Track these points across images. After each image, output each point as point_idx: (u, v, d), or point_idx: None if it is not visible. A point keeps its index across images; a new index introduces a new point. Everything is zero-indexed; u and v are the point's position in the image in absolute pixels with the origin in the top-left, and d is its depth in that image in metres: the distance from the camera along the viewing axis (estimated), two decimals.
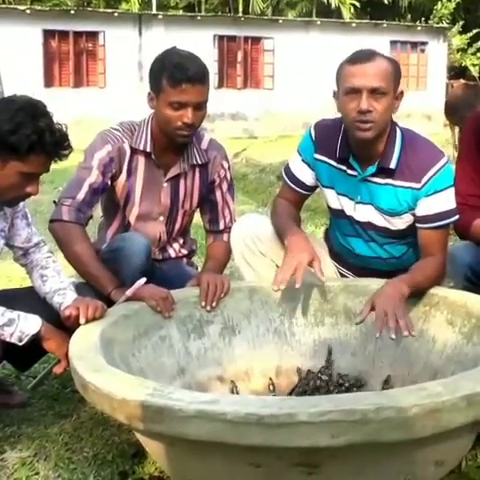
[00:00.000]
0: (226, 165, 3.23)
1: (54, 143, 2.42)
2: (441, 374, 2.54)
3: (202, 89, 2.86)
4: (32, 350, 2.53)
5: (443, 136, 14.30)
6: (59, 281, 2.68)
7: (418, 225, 2.81)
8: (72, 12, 21.45)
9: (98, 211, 3.22)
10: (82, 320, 2.44)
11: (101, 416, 2.74)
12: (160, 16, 22.67)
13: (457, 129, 12.99)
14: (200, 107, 2.88)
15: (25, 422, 2.78)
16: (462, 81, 14.23)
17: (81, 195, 2.92)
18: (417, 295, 2.71)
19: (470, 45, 28.56)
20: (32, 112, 2.40)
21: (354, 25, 24.57)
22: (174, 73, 2.81)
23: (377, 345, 2.79)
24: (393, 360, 2.74)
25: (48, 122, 2.42)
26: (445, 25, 27.11)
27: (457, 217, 2.80)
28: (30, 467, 2.44)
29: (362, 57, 2.71)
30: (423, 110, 21.86)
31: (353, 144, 2.83)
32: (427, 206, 2.76)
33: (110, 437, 2.63)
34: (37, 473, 2.41)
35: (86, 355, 2.16)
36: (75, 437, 2.65)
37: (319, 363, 2.82)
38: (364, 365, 2.80)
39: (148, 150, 3.01)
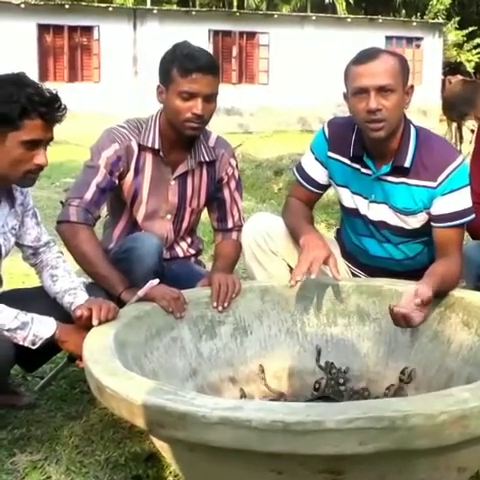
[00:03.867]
0: (234, 163, 3.20)
1: (45, 103, 2.38)
2: (457, 376, 2.51)
3: (212, 80, 2.84)
4: (40, 351, 2.49)
5: (439, 131, 14.32)
6: (70, 281, 2.64)
7: (433, 224, 2.78)
8: (67, 6, 21.37)
9: (104, 210, 3.18)
10: (95, 321, 2.39)
11: (111, 418, 2.70)
12: (155, 11, 22.64)
13: (454, 125, 13.03)
14: (210, 99, 2.85)
15: (34, 424, 2.73)
16: (459, 77, 14.21)
17: (89, 195, 2.88)
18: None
19: (466, 41, 28.58)
20: (17, 82, 2.38)
21: (349, 20, 24.57)
22: (185, 63, 2.79)
23: (391, 347, 2.77)
24: (407, 362, 2.71)
25: (35, 87, 2.40)
26: (440, 21, 27.12)
27: (473, 216, 2.77)
28: (41, 471, 2.40)
29: (367, 56, 2.68)
30: (418, 105, 21.81)
31: (367, 142, 2.80)
32: (443, 205, 2.73)
33: (122, 440, 2.59)
34: (49, 477, 2.36)
35: (101, 358, 2.12)
36: (86, 440, 2.60)
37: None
38: (377, 366, 2.77)
39: (156, 147, 2.97)
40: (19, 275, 4.46)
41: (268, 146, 14.55)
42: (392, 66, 2.67)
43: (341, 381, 2.72)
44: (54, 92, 2.44)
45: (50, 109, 2.40)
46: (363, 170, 2.84)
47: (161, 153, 2.99)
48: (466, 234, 3.05)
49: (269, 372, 2.79)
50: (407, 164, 2.75)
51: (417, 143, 2.77)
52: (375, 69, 2.64)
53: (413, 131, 2.79)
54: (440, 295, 2.64)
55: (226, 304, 2.77)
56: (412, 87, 2.75)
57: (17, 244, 2.70)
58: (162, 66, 2.89)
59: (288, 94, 22.59)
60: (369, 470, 1.83)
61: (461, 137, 12.50)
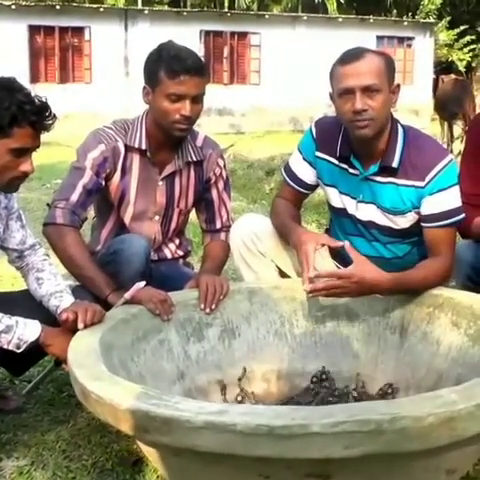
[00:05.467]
0: (222, 163, 3.18)
1: (36, 112, 2.35)
2: (446, 377, 2.50)
3: (200, 81, 2.81)
4: (27, 354, 2.46)
5: (431, 131, 14.30)
6: (55, 284, 2.61)
7: (423, 224, 2.76)
8: (57, 7, 21.31)
9: (91, 211, 3.15)
10: (80, 325, 2.36)
11: (99, 422, 2.66)
12: (146, 11, 22.58)
13: (447, 124, 13.00)
14: (197, 100, 2.83)
15: (21, 428, 2.71)
16: (453, 76, 14.21)
17: (75, 197, 2.85)
18: (415, 294, 2.70)
19: (457, 40, 28.64)
20: (8, 87, 2.35)
21: (340, 20, 24.55)
22: (172, 64, 2.76)
23: (380, 347, 2.76)
24: (396, 362, 2.69)
25: (26, 94, 2.36)
26: (432, 20, 27.16)
27: (463, 215, 2.75)
28: (28, 476, 2.38)
29: (352, 56, 2.65)
30: (410, 105, 21.84)
31: (354, 142, 2.77)
32: (432, 205, 2.71)
33: (109, 444, 2.56)
34: None
35: (86, 362, 2.09)
36: (73, 444, 2.58)
37: (320, 366, 2.76)
38: (366, 368, 2.75)
39: (143, 147, 2.94)
40: (8, 277, 4.45)
41: (260, 146, 14.54)
42: (377, 66, 2.64)
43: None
44: (44, 100, 2.41)
45: (40, 118, 2.37)
46: (351, 170, 2.82)
47: (148, 154, 2.96)
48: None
49: (257, 375, 2.76)
50: (395, 164, 2.73)
51: (405, 143, 2.74)
52: (360, 69, 2.61)
53: (401, 131, 2.77)
54: (412, 291, 2.70)
55: (214, 306, 2.75)
56: (398, 86, 2.72)
57: (2, 247, 2.67)
58: (148, 67, 2.86)
59: (280, 94, 22.57)
60: (357, 473, 1.81)
61: (452, 136, 12.49)
